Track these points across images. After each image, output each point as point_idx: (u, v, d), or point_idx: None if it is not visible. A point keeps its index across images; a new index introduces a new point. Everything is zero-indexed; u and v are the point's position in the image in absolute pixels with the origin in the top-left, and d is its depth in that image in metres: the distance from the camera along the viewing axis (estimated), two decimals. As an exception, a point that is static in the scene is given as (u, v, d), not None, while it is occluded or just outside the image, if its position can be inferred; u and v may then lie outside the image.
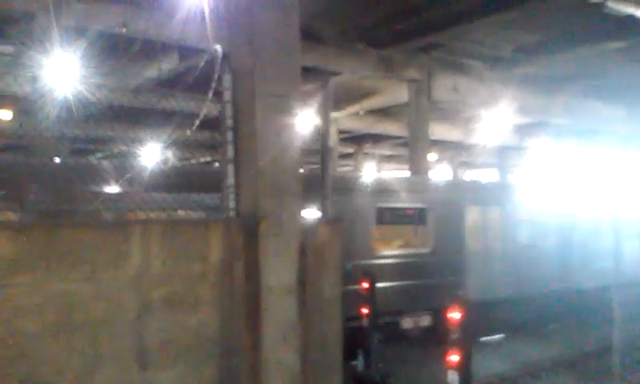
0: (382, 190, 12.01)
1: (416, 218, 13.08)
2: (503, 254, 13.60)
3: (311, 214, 10.37)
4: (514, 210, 14.01)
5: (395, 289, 11.53)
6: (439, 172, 34.36)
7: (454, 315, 6.54)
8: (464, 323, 6.51)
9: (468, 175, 38.23)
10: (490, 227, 13.54)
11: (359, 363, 9.75)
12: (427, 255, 12.31)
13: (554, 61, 16.37)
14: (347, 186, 11.57)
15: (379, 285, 10.15)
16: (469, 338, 6.66)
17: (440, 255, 12.31)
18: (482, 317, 11.45)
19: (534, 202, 14.56)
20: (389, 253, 12.22)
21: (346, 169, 32.36)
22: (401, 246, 13.24)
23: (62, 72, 8.76)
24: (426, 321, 12.04)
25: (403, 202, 12.43)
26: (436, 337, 10.53)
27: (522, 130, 24.99)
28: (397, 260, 12.03)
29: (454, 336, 6.53)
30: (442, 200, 12.69)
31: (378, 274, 10.25)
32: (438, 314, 10.23)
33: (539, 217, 14.46)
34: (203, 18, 8.40)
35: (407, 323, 11.88)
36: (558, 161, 27.75)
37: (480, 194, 13.86)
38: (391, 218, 12.72)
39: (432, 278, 12.01)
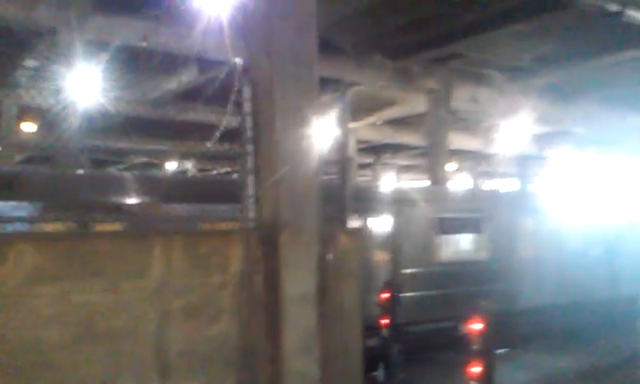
0: (442, 201, 12.97)
1: (473, 227, 13.49)
2: (551, 262, 13.99)
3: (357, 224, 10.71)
4: (560, 218, 14.46)
5: (454, 295, 11.93)
6: (458, 182, 34.17)
7: (476, 326, 6.49)
8: (486, 334, 6.47)
9: (488, 185, 37.95)
10: (539, 235, 14.03)
11: (380, 374, 9.71)
12: (484, 263, 12.82)
13: (573, 70, 16.25)
14: (411, 198, 12.45)
15: (440, 292, 11.00)
16: (491, 349, 6.60)
17: (495, 263, 12.87)
18: (531, 324, 12.55)
19: (574, 211, 14.87)
20: (449, 261, 12.61)
21: (364, 179, 32.32)
22: (460, 254, 13.54)
23: (84, 85, 8.89)
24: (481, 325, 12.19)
25: (462, 212, 13.04)
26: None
27: (542, 140, 24.79)
28: (456, 267, 12.54)
29: (476, 347, 6.48)
30: (496, 210, 13.37)
31: (438, 281, 11.18)
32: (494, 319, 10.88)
33: (579, 226, 14.77)
34: (222, 30, 8.48)
35: (464, 328, 11.91)
36: (579, 170, 27.47)
37: (530, 203, 14.32)
38: (451, 227, 13.14)
39: (488, 285, 12.42)
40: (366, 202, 11.47)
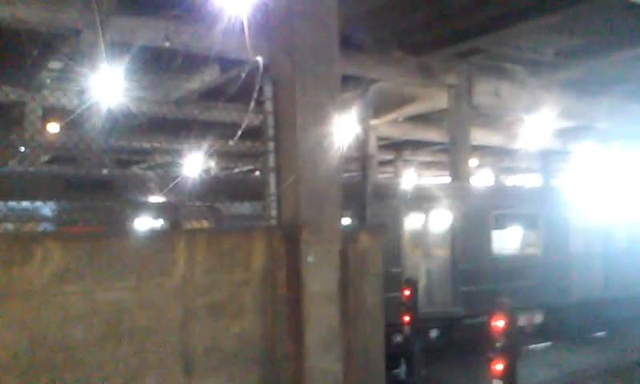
0: (498, 197, 13.61)
1: (527, 223, 13.78)
2: (599, 257, 14.39)
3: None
4: (606, 215, 14.74)
5: (511, 288, 12.06)
6: (480, 178, 33.93)
7: (499, 323, 6.45)
8: (508, 331, 6.42)
9: (510, 181, 37.65)
10: (587, 232, 14.31)
11: (401, 371, 9.70)
12: (537, 257, 13.25)
13: (596, 64, 16.06)
14: (470, 195, 13.26)
15: (497, 285, 11.65)
16: (514, 347, 6.56)
17: (548, 257, 13.28)
18: (586, 316, 13.30)
19: (617, 207, 15.09)
20: (504, 255, 13.07)
21: (385, 176, 32.24)
22: (514, 249, 13.89)
23: (108, 86, 9.00)
24: (538, 318, 12.98)
25: (516, 209, 13.47)
26: (548, 333, 12.65)
27: (565, 134, 24.53)
28: (512, 262, 12.99)
29: (499, 344, 6.44)
30: (549, 207, 13.73)
31: (495, 274, 11.78)
32: (549, 312, 12.81)
33: (621, 221, 15.03)
34: (243, 29, 8.52)
35: (522, 320, 12.35)
36: (609, 165, 27.13)
37: (579, 200, 14.57)
38: (506, 223, 13.54)
39: (542, 279, 12.93)
40: (424, 200, 11.96)
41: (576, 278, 13.58)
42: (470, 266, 11.85)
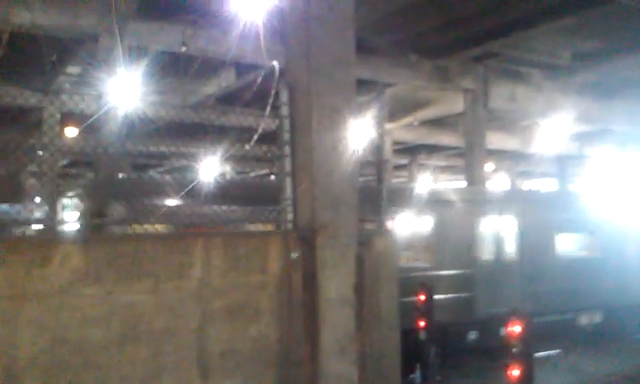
0: (562, 203, 14.44)
1: (589, 227, 14.46)
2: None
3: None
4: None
5: (573, 288, 13.00)
6: (497, 182, 33.74)
7: (515, 329, 6.42)
8: (525, 337, 6.39)
9: (527, 185, 37.41)
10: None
11: (416, 376, 9.67)
12: (597, 259, 13.89)
13: (613, 67, 15.93)
14: (538, 200, 14.31)
15: (560, 286, 12.59)
16: (530, 353, 6.53)
17: (607, 260, 13.87)
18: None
19: None
20: (567, 257, 13.76)
21: (399, 180, 32.17)
22: (576, 252, 14.61)
23: (125, 90, 9.08)
24: (598, 317, 13.55)
25: (578, 214, 14.12)
26: (608, 332, 13.22)
27: (582, 138, 24.34)
28: (574, 263, 13.73)
29: (515, 350, 6.41)
30: (608, 213, 14.42)
31: (558, 276, 12.63)
32: (608, 312, 13.46)
33: None
34: (258, 34, 8.58)
35: (583, 320, 13.31)
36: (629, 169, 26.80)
37: (630, 204, 15.16)
38: (569, 227, 14.24)
39: (601, 280, 13.52)
40: (494, 205, 12.67)
41: (632, 279, 14.13)
42: (534, 268, 12.65)
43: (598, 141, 25.00)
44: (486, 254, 12.33)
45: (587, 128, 21.68)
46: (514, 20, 12.98)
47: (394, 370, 6.39)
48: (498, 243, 12.55)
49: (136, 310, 5.01)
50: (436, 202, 11.84)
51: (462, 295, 11.57)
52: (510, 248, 12.62)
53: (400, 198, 11.02)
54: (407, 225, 11.53)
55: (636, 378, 10.98)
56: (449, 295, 11.29)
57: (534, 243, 12.76)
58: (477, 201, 12.62)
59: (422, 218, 11.78)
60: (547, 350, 12.28)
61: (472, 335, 11.62)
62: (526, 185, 37.37)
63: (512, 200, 13.20)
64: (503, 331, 11.42)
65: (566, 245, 14.16)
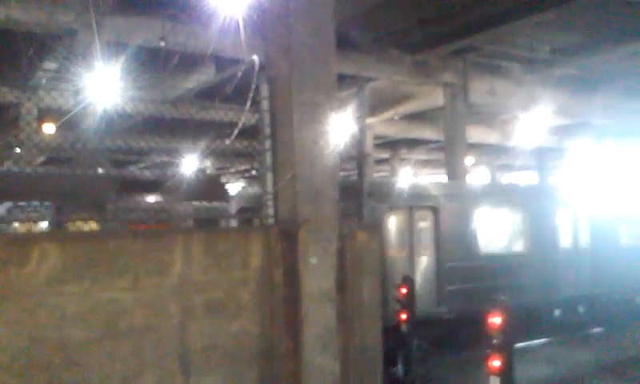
0: (587, 199, 15.24)
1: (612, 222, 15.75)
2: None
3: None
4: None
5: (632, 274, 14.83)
6: (477, 176, 33.96)
7: (495, 320, 6.47)
8: (505, 328, 6.44)
9: (506, 178, 37.72)
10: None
11: (399, 369, 9.70)
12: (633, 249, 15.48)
13: (592, 61, 16.10)
14: (563, 196, 15.16)
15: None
16: (510, 343, 6.58)
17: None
18: None
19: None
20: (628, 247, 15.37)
21: (381, 175, 32.26)
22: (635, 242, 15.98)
23: (104, 86, 9.00)
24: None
25: (604, 210, 15.29)
26: None
27: (561, 132, 24.59)
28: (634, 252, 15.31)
29: (496, 341, 6.46)
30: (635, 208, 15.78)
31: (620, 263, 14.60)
32: None
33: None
34: (238, 29, 8.53)
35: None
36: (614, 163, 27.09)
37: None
38: (628, 221, 15.79)
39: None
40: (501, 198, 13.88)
41: None
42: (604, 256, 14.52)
43: (577, 134, 25.27)
44: (566, 243, 14.32)
45: (566, 121, 21.90)
46: (493, 14, 13.06)
47: (376, 363, 6.41)
48: (575, 234, 14.57)
49: (116, 308, 4.96)
50: (528, 197, 14.22)
51: (549, 278, 13.71)
52: (584, 239, 14.65)
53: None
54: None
55: (613, 368, 11.13)
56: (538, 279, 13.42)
57: (601, 235, 14.79)
58: (556, 197, 14.69)
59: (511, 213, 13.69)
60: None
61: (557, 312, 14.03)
62: (506, 178, 37.70)
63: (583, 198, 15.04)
64: (582, 308, 14.20)
65: (628, 237, 15.74)
